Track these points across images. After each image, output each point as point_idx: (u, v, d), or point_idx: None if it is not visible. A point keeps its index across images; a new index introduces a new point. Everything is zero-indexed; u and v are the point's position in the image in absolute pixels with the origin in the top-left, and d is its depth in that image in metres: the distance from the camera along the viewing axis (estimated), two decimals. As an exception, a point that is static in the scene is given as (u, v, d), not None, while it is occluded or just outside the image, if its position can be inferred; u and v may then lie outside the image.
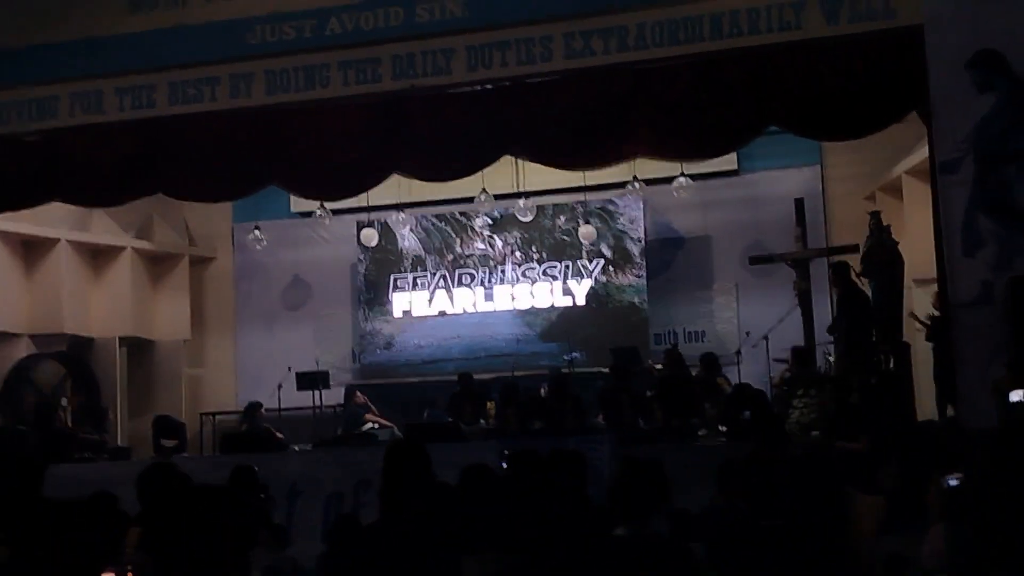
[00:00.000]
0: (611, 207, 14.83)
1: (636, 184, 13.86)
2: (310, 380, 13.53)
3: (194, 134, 11.37)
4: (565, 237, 14.92)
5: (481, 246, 15.18)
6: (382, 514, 4.19)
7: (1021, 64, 8.71)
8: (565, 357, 13.67)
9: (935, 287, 10.32)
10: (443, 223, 15.32)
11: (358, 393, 13.89)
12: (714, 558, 4.24)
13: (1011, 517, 1.33)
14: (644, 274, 14.64)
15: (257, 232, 14.89)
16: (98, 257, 14.99)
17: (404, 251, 15.34)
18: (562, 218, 14.94)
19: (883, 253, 11.50)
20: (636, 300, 14.64)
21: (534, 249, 15.02)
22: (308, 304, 15.73)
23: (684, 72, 10.23)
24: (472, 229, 15.20)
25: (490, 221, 15.09)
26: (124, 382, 14.86)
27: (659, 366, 12.76)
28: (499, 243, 15.12)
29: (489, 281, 15.10)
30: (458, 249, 15.22)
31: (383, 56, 10.59)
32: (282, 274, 15.77)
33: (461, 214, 15.14)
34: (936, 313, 10.58)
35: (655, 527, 4.12)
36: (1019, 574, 1.27)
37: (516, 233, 15.03)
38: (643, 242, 14.69)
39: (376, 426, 13.22)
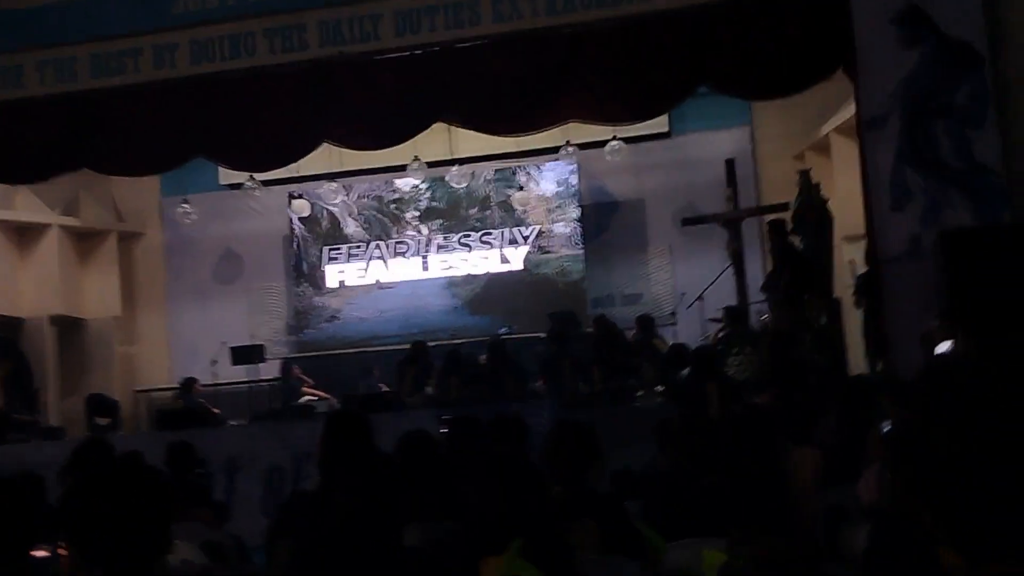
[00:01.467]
0: (545, 172, 14.81)
1: (569, 148, 13.86)
2: (245, 354, 13.40)
3: (118, 107, 11.12)
4: (499, 204, 14.89)
5: (415, 214, 15.10)
6: (321, 485, 4.15)
7: (945, 19, 8.81)
8: (499, 331, 13.66)
9: (864, 243, 10.47)
10: (376, 192, 15.20)
11: (295, 367, 13.80)
12: (650, 515, 4.27)
13: (934, 457, 1.37)
14: (580, 238, 14.67)
15: (186, 206, 14.64)
16: (24, 235, 14.65)
17: (337, 222, 15.21)
18: (496, 184, 14.90)
19: (813, 211, 11.63)
20: (573, 265, 14.68)
21: (470, 216, 14.97)
22: (241, 277, 15.55)
23: (615, 34, 10.20)
24: (405, 200, 15.11)
25: (423, 189, 14.99)
26: (56, 361, 14.57)
27: (590, 330, 12.83)
28: (433, 212, 15.05)
29: (425, 250, 15.04)
30: (392, 220, 15.11)
31: (309, 22, 10.43)
32: (213, 248, 15.56)
33: (393, 190, 15.04)
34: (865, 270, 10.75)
35: (590, 486, 4.17)
36: (942, 505, 1.33)
37: (450, 201, 14.96)
38: (578, 206, 14.71)
39: (315, 399, 13.15)
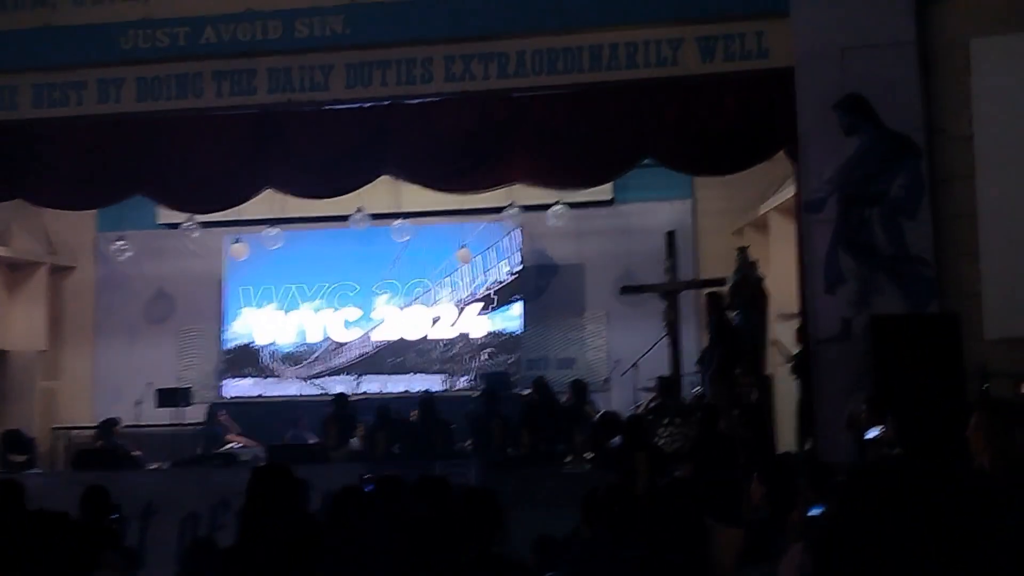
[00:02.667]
0: (488, 232, 14.83)
1: (513, 210, 13.91)
2: (171, 397, 13.15)
3: (59, 139, 10.98)
4: (439, 261, 14.86)
5: (356, 268, 14.98)
6: (240, 537, 4.05)
7: (885, 110, 9.03)
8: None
9: (798, 322, 10.59)
10: (318, 241, 15.09)
11: (221, 412, 13.56)
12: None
13: (863, 548, 1.36)
14: (521, 299, 14.67)
15: (121, 243, 14.41)
16: (-50, 263, 14.32)
17: (275, 269, 15.04)
18: (437, 241, 14.88)
19: (749, 287, 11.77)
20: (510, 326, 14.65)
21: (410, 271, 14.91)
22: (171, 318, 15.29)
23: (562, 101, 10.32)
24: (345, 253, 15.00)
25: (364, 244, 14.88)
26: (-27, 394, 14.18)
27: (527, 391, 12.79)
28: (374, 266, 14.96)
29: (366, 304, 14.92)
30: (331, 272, 14.98)
31: (259, 68, 10.41)
32: (146, 287, 15.30)
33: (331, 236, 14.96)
34: (797, 349, 10.86)
35: (508, 553, 4.14)
36: None
37: (389, 256, 14.90)
38: (519, 268, 14.72)
39: (240, 445, 12.91)
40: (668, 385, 11.53)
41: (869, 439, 7.20)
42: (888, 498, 1.47)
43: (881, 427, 7.15)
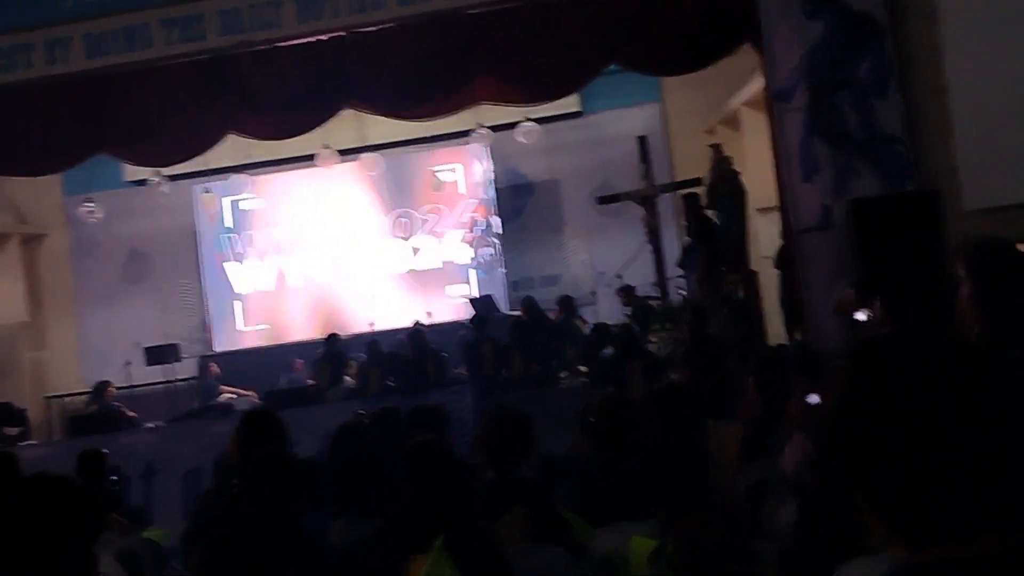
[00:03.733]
0: (458, 156, 14.69)
1: (481, 131, 13.75)
2: (159, 354, 13.10)
3: (12, 105, 10.74)
4: (413, 192, 14.74)
5: (336, 203, 14.82)
6: (233, 489, 4.03)
7: (846, -10, 8.87)
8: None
9: (777, 214, 10.55)
10: (288, 184, 14.93)
11: (212, 365, 13.52)
12: (575, 500, 4.23)
13: (864, 435, 1.34)
14: (497, 222, 14.59)
15: (90, 204, 14.22)
16: (-79, 241, 14.13)
17: (248, 216, 14.90)
18: (407, 172, 14.74)
19: (726, 184, 11.69)
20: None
21: (385, 205, 14.79)
22: (151, 277, 15.18)
23: (520, 16, 10.12)
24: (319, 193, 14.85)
25: (339, 180, 14.72)
26: (-40, 371, 14.09)
27: (516, 313, 12.78)
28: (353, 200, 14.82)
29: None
30: (307, 214, 14.84)
31: (207, 11, 10.15)
32: (120, 247, 15.16)
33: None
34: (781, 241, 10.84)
35: (521, 474, 4.14)
36: (873, 486, 1.30)
37: (364, 192, 14.76)
38: (493, 190, 14.62)
39: (235, 396, 12.89)
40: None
41: (858, 323, 7.20)
42: (884, 375, 1.42)
43: (869, 310, 7.15)
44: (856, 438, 1.42)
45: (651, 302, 11.67)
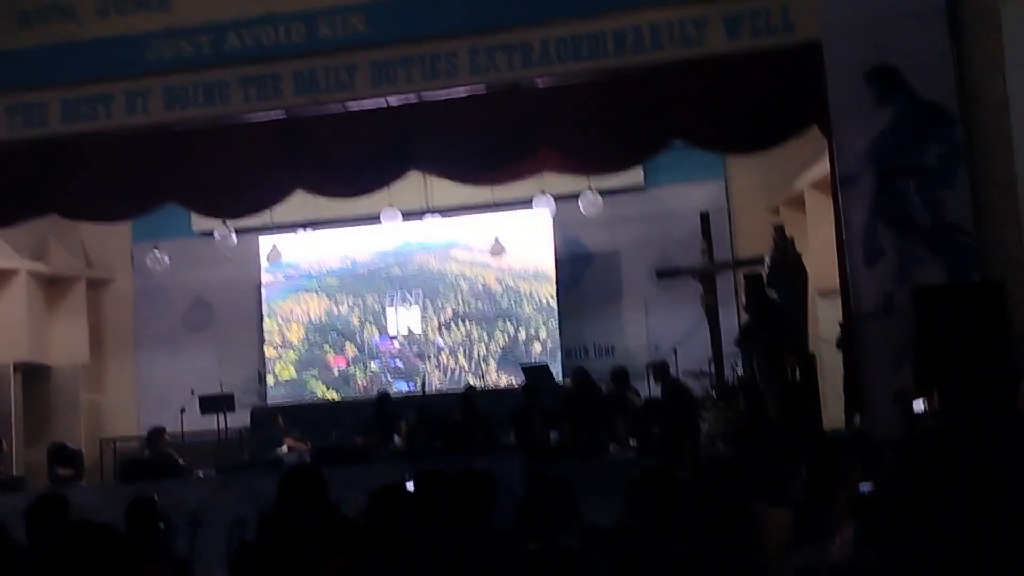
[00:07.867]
0: (520, 223, 14.77)
1: (545, 199, 13.84)
2: (214, 403, 13.19)
3: (89, 153, 11.06)
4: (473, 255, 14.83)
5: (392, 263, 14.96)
6: (277, 541, 4.04)
7: (916, 79, 8.88)
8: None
9: (838, 298, 10.46)
10: (347, 239, 15.10)
11: (279, 416, 13.56)
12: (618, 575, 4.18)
13: (914, 522, 1.33)
14: (555, 290, 14.60)
15: (157, 252, 14.50)
16: (-9, 281, 14.47)
17: (312, 271, 15.07)
18: (469, 235, 14.85)
19: (787, 265, 11.63)
20: (547, 317, 14.59)
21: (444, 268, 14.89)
22: (211, 326, 15.36)
23: (588, 87, 10.25)
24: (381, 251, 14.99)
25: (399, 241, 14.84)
26: (20, 409, 14.31)
27: (567, 382, 12.73)
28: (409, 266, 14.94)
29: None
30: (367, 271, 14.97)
31: (284, 72, 10.42)
32: (183, 295, 15.38)
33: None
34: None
35: (565, 544, 4.11)
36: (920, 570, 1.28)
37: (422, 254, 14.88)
38: (553, 259, 14.64)
39: (287, 450, 12.93)
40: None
41: (916, 413, 7.09)
42: (937, 469, 1.41)
43: (928, 400, 7.05)
44: (901, 528, 1.41)
45: (702, 378, 11.55)
